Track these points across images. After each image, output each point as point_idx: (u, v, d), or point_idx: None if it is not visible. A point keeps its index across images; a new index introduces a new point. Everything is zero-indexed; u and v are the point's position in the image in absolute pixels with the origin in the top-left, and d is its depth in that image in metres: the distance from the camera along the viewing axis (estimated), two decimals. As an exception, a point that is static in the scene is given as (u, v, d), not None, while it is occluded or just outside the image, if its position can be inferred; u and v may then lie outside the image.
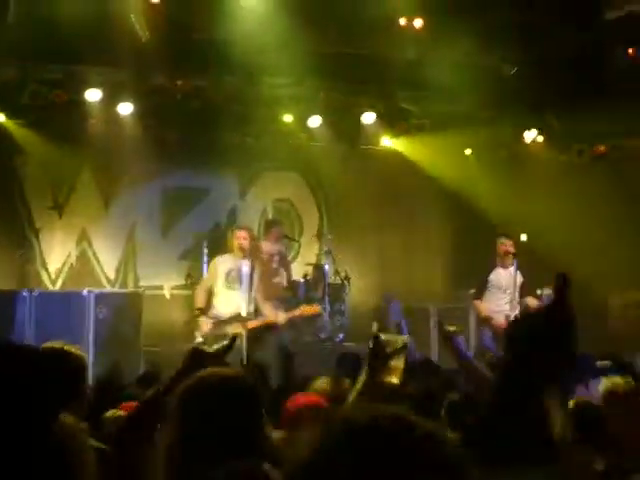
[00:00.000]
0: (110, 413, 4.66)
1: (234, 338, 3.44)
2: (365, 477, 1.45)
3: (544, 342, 3.06)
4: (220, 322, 9.78)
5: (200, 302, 9.99)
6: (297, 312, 10.48)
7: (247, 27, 10.33)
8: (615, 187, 13.70)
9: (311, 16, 10.60)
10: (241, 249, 9.92)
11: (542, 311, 3.31)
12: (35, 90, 11.30)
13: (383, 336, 3.66)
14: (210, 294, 10.07)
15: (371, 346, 3.59)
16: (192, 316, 9.97)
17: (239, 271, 9.91)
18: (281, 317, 10.18)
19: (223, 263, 10.08)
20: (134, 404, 4.23)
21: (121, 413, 4.57)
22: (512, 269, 11.07)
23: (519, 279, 11.06)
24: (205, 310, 9.91)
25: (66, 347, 3.94)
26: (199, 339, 9.58)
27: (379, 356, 3.58)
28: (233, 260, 10.02)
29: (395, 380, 3.78)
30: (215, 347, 3.33)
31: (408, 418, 1.52)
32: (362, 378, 3.52)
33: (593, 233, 13.03)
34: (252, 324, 9.88)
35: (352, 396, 3.46)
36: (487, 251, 11.63)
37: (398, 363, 3.75)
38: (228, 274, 9.97)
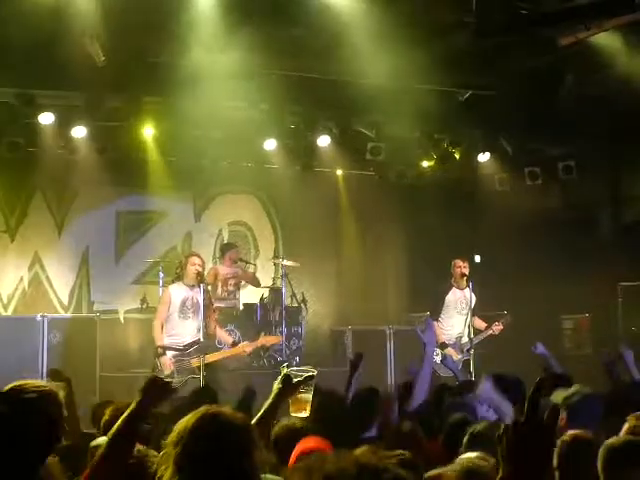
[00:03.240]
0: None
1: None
2: None
3: None
4: (181, 355, 9.69)
5: (160, 339, 9.84)
6: (259, 342, 10.50)
7: (202, 51, 10.32)
8: (568, 209, 13.89)
9: (267, 39, 10.63)
10: (197, 275, 9.85)
11: None
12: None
13: (291, 370, 3.81)
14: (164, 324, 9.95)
15: (280, 385, 3.74)
16: (154, 354, 9.81)
17: (194, 299, 9.85)
18: (248, 348, 10.16)
19: (178, 292, 9.96)
20: None
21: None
22: (467, 290, 11.18)
23: (473, 300, 11.18)
24: (164, 346, 9.80)
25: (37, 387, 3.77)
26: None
27: (286, 391, 3.73)
28: (187, 288, 9.92)
29: (304, 413, 3.86)
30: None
31: (372, 465, 1.63)
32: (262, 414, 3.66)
33: (546, 255, 13.16)
34: (216, 356, 9.84)
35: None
36: (442, 273, 11.70)
37: (307, 395, 3.85)
38: (183, 303, 9.86)
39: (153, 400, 3.29)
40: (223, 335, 10.51)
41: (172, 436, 2.82)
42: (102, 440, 4.35)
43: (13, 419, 2.24)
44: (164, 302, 10.03)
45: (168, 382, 3.34)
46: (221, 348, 10.48)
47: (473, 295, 11.18)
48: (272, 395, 3.80)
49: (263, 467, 2.86)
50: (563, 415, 4.87)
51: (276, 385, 3.82)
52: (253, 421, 3.58)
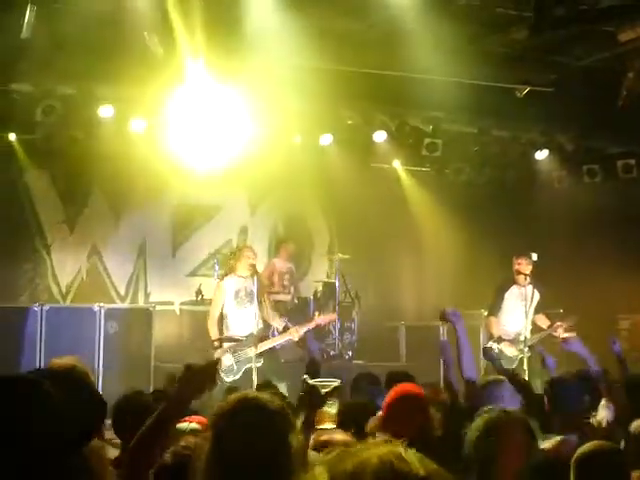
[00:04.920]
0: (184, 425, 4.48)
1: (216, 362, 3.48)
2: None
3: None
4: (237, 346, 9.75)
5: (215, 334, 9.90)
6: (313, 323, 10.32)
7: (260, 45, 10.37)
8: (627, 207, 13.68)
9: (325, 34, 10.64)
10: (250, 267, 9.90)
11: None
12: (48, 106, 11.33)
13: (313, 382, 3.75)
14: (220, 318, 10.00)
15: (303, 394, 3.67)
16: (211, 348, 9.87)
17: (247, 289, 9.89)
18: (296, 333, 10.06)
19: (230, 284, 10.01)
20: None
21: (194, 425, 4.44)
22: (527, 288, 11.04)
23: (536, 297, 11.02)
24: (221, 338, 9.85)
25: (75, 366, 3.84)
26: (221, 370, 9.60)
27: (313, 403, 3.68)
28: (240, 280, 9.97)
29: (331, 424, 3.84)
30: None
31: (392, 465, 1.58)
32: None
33: (604, 253, 13.01)
34: (268, 344, 9.85)
35: None
36: (497, 270, 11.62)
37: (332, 407, 3.82)
38: (237, 294, 9.92)
39: (191, 390, 3.23)
40: (276, 320, 10.47)
41: (210, 419, 2.85)
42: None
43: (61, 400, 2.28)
44: (218, 296, 10.08)
45: (206, 371, 3.27)
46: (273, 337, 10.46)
47: (536, 292, 11.02)
48: (300, 409, 3.70)
49: (299, 452, 2.86)
50: None
51: (302, 398, 3.73)
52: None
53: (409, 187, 14.79)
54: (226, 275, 10.23)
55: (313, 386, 3.72)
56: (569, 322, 10.87)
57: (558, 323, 10.91)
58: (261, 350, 9.64)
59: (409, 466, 1.59)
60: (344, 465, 1.60)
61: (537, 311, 11.03)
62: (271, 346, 9.90)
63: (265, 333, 10.26)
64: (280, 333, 10.29)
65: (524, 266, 11.07)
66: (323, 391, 3.73)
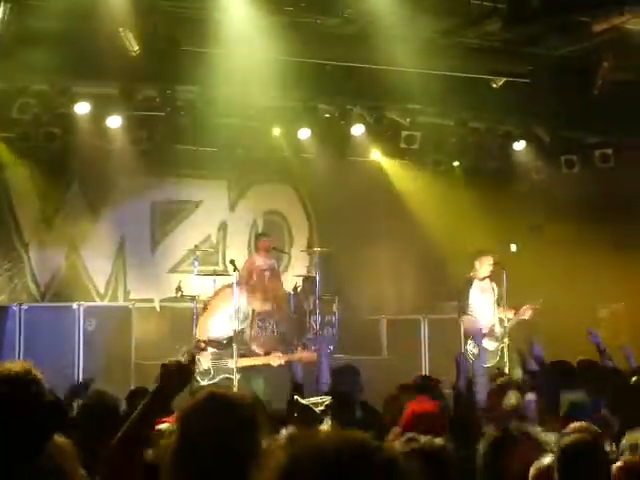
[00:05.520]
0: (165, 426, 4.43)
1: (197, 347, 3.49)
2: None
3: None
4: (219, 354, 9.71)
5: (204, 334, 9.86)
6: (295, 357, 10.35)
7: (236, 40, 10.33)
8: (605, 197, 13.73)
9: (301, 28, 10.63)
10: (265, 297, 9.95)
11: None
12: (24, 103, 11.27)
13: (304, 401, 3.74)
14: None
15: (296, 414, 3.67)
16: (197, 347, 9.84)
17: (246, 313, 9.94)
18: (278, 360, 10.11)
19: (235, 295, 9.97)
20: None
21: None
22: (488, 281, 11.13)
23: (496, 290, 11.10)
24: (206, 341, 9.82)
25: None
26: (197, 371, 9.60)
27: (307, 421, 3.66)
28: (249, 302, 9.99)
29: None
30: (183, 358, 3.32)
31: (367, 447, 1.62)
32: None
33: (582, 244, 13.05)
34: (249, 362, 9.85)
35: None
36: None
37: (326, 424, 3.81)
38: (237, 311, 9.88)
39: (171, 387, 3.20)
40: (257, 345, 10.48)
41: (177, 414, 2.84)
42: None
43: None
44: (222, 302, 10.01)
45: (184, 366, 3.24)
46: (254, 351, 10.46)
47: (494, 285, 11.12)
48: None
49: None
50: None
51: (297, 418, 3.71)
52: None
53: (388, 180, 14.78)
54: (238, 284, 10.10)
55: (307, 406, 3.71)
56: (535, 304, 10.98)
57: (525, 306, 11.01)
58: (240, 366, 9.65)
59: (367, 439, 1.65)
60: (307, 442, 1.65)
61: (497, 303, 11.11)
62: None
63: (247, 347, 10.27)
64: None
65: (491, 260, 11.16)
66: (318, 410, 3.71)
